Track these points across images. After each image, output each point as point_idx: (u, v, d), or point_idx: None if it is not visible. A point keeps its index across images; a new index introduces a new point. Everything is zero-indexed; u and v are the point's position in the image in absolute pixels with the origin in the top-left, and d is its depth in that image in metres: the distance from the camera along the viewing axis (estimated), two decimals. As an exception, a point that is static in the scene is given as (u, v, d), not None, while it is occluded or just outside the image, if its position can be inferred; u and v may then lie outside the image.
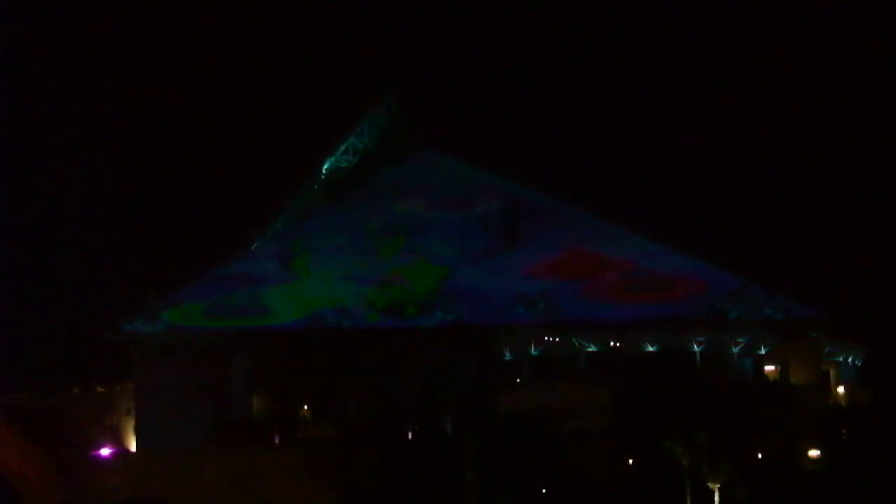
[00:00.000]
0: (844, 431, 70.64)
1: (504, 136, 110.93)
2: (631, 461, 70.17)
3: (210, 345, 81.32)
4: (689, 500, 64.80)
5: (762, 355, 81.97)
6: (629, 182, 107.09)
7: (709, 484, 64.29)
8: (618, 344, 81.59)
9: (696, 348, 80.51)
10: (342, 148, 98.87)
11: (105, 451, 74.13)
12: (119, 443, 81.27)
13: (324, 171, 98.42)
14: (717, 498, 64.17)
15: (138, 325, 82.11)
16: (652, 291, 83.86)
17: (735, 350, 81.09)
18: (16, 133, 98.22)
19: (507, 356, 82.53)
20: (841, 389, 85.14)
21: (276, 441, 77.25)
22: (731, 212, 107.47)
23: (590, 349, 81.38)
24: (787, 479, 66.16)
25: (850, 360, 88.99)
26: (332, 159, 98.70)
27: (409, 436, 75.77)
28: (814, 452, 68.04)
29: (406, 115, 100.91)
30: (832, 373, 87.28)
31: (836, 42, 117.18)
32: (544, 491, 67.76)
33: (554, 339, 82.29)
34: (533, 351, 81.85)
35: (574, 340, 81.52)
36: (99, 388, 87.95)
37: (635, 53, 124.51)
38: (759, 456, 68.45)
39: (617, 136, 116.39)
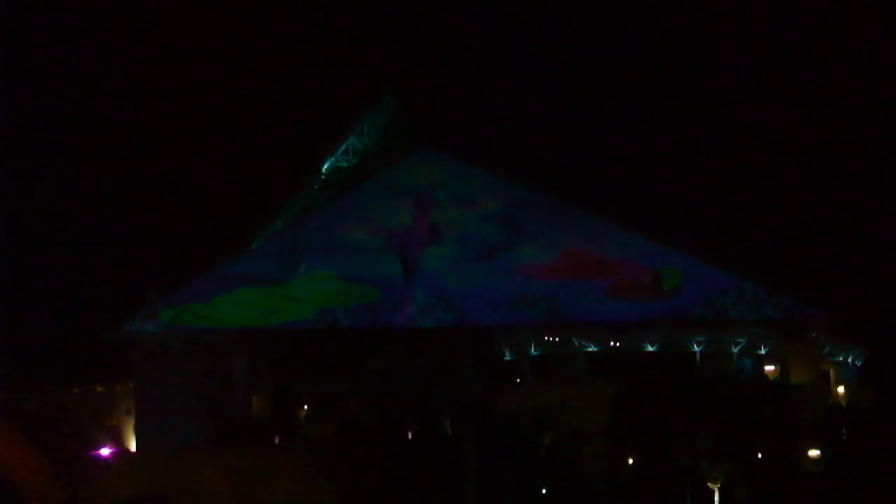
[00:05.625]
0: (844, 431, 70.73)
1: (504, 136, 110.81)
2: (631, 461, 70.25)
3: (210, 345, 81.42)
4: (689, 500, 64.87)
5: (762, 355, 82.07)
6: (629, 182, 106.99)
7: (709, 484, 64.40)
8: (618, 344, 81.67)
9: (696, 348, 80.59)
10: (342, 148, 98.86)
11: (105, 451, 74.08)
12: (119, 443, 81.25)
13: (324, 171, 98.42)
14: (717, 498, 64.28)
15: (138, 325, 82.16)
16: (652, 291, 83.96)
17: (735, 350, 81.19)
18: (16, 133, 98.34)
19: (507, 356, 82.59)
20: (841, 389, 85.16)
21: (276, 441, 77.30)
22: (731, 211, 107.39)
23: (590, 349, 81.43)
24: (787, 479, 66.26)
25: (850, 360, 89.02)
26: (332, 159, 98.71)
27: (409, 436, 75.90)
28: (814, 452, 68.15)
29: (406, 116, 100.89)
30: (832, 373, 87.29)
31: (836, 39, 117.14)
32: (544, 491, 67.85)
33: (554, 339, 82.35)
34: (533, 351, 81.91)
35: (574, 340, 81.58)
36: (99, 388, 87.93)
37: (635, 53, 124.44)
38: (759, 456, 68.58)
39: (617, 136, 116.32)
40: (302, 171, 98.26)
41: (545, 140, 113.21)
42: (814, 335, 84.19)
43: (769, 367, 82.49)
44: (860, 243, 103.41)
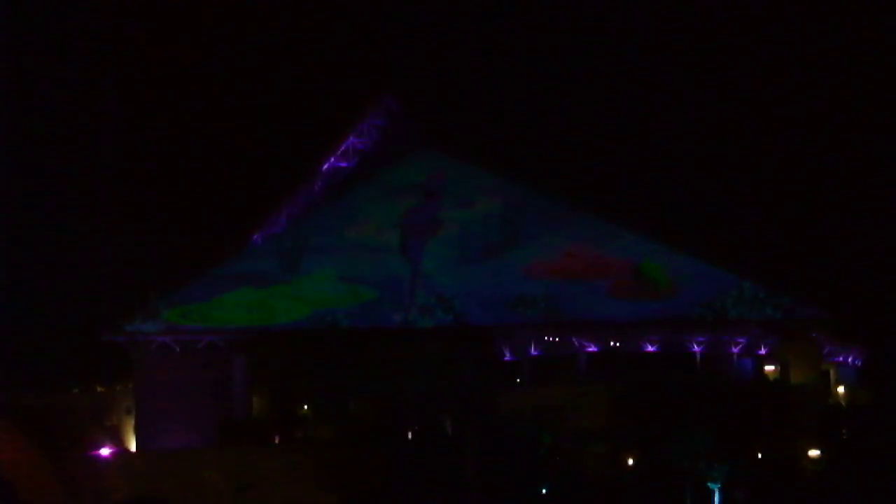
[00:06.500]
0: (844, 431, 70.78)
1: (504, 137, 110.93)
2: (631, 461, 70.27)
3: (210, 345, 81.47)
4: (689, 500, 64.91)
5: (762, 355, 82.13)
6: (629, 182, 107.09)
7: (709, 484, 64.43)
8: (618, 344, 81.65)
9: (696, 348, 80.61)
10: (342, 148, 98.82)
11: (105, 451, 74.15)
12: (119, 443, 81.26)
13: (324, 171, 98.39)
14: (717, 498, 64.31)
15: (138, 325, 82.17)
16: (652, 291, 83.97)
17: (735, 350, 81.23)
18: (17, 133, 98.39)
19: (507, 356, 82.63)
20: (841, 389, 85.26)
21: (276, 441, 77.33)
22: (731, 211, 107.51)
23: (590, 349, 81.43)
24: (787, 479, 66.30)
25: (850, 360, 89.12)
26: (332, 159, 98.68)
27: (410, 435, 75.93)
28: (814, 452, 68.20)
29: (406, 116, 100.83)
30: (832, 373, 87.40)
31: (835, 39, 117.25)
32: (544, 491, 67.87)
33: (554, 339, 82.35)
34: (533, 351, 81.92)
35: (574, 340, 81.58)
36: (99, 388, 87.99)
37: (636, 53, 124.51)
38: (759, 456, 68.64)
39: (616, 136, 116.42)
40: (302, 171, 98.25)
41: (545, 140, 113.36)
42: (814, 335, 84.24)
43: (769, 367, 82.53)
44: (860, 243, 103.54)
